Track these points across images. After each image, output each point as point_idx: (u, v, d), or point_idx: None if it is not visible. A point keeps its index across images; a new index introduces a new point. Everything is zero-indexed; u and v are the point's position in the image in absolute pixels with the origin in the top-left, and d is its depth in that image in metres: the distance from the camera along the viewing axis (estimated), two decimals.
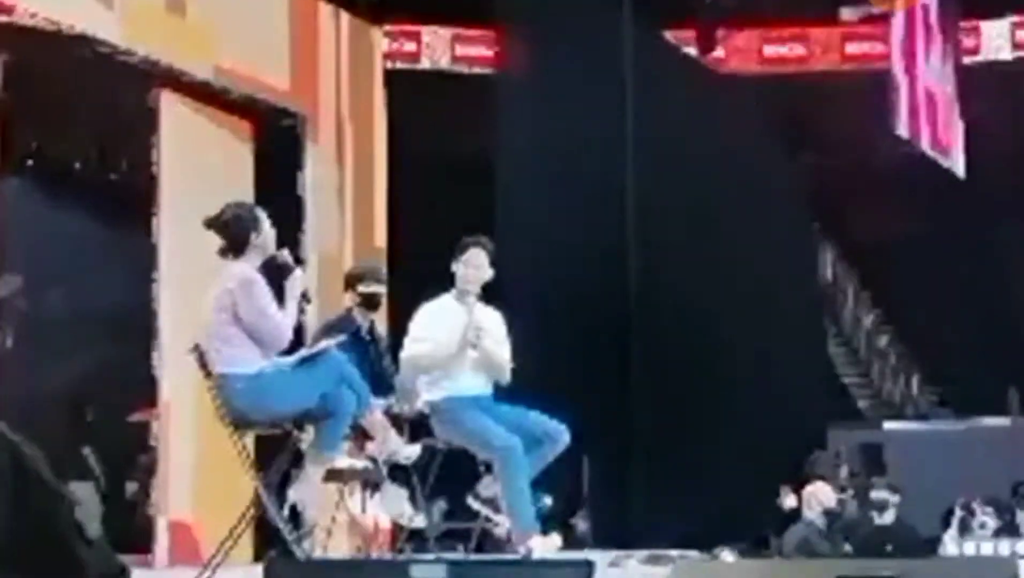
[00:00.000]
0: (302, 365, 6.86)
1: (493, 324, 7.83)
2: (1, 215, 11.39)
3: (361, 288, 8.66)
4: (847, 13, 19.87)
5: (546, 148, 13.90)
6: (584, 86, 14.37)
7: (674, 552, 9.18)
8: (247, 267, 6.81)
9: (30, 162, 12.34)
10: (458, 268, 7.77)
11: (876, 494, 11.59)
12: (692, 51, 19.14)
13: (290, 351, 6.97)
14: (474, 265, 7.75)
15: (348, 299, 8.79)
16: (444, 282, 7.90)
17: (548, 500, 9.92)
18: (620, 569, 8.16)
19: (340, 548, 9.58)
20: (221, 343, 6.74)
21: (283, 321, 6.76)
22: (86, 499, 12.66)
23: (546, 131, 13.90)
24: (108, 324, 12.19)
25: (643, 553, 9.18)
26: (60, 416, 12.31)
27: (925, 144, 18.53)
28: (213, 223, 6.91)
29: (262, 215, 6.95)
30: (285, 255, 7.03)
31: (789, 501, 13.70)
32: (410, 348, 7.71)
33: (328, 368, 6.85)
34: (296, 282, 6.92)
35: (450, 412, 7.70)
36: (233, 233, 6.85)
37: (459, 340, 7.65)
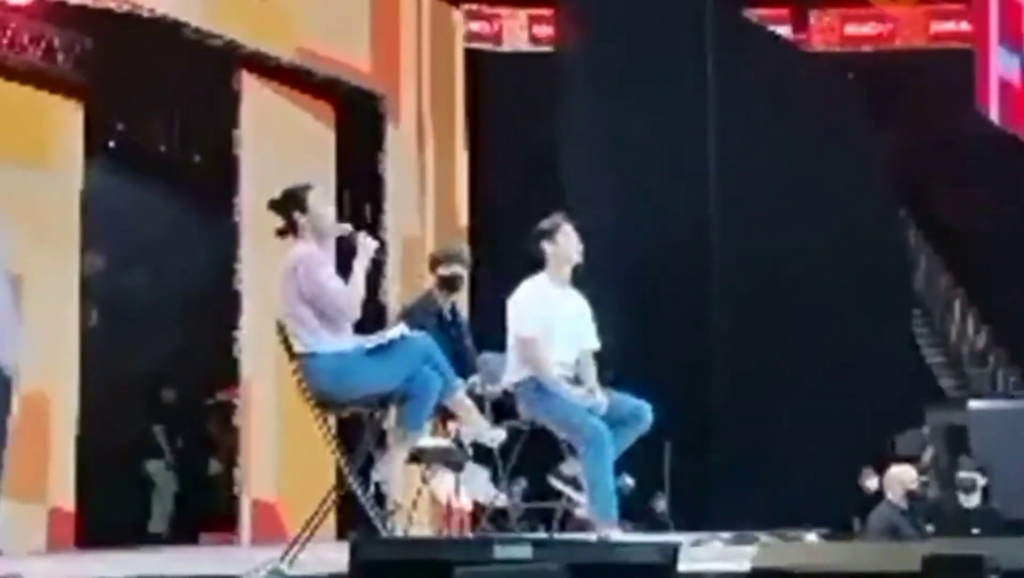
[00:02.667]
0: (388, 346, 6.87)
1: (585, 308, 7.83)
2: (85, 197, 11.50)
3: (441, 270, 8.64)
4: None
5: (624, 130, 13.85)
6: (665, 66, 14.31)
7: (756, 534, 9.13)
8: (301, 245, 6.84)
9: (113, 144, 12.42)
10: (557, 244, 7.71)
11: (962, 475, 11.47)
12: (775, 29, 19.01)
13: (372, 330, 6.98)
14: (575, 237, 7.73)
15: (430, 280, 8.79)
16: (526, 262, 7.87)
17: (630, 481, 9.90)
18: (703, 549, 8.12)
19: (423, 528, 9.61)
20: (296, 325, 6.77)
21: (344, 291, 6.75)
22: (158, 477, 12.81)
23: (623, 113, 13.85)
24: (191, 305, 12.29)
25: (725, 534, 9.14)
26: (143, 395, 12.41)
27: (1010, 124, 18.34)
28: (270, 204, 6.96)
29: (310, 194, 6.93)
30: (346, 227, 7.03)
31: (871, 483, 13.61)
32: (523, 329, 7.63)
33: (413, 349, 6.86)
34: (363, 251, 6.92)
35: (536, 392, 7.68)
36: (283, 214, 6.90)
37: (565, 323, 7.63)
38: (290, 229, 6.87)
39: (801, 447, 13.94)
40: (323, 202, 6.99)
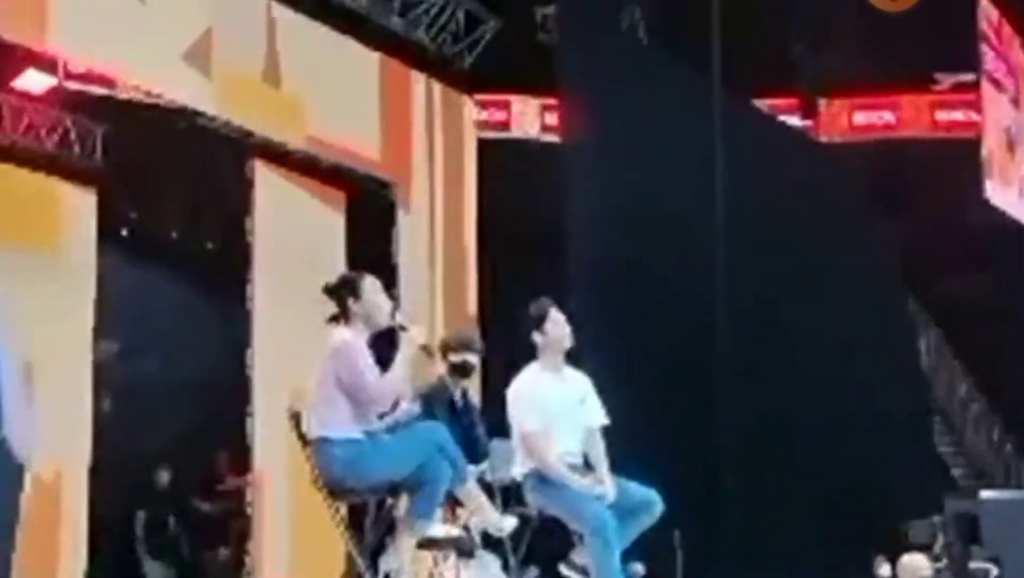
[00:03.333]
0: (400, 434, 6.90)
1: (586, 387, 7.83)
2: (99, 283, 11.57)
3: (452, 357, 8.66)
4: (943, 78, 19.78)
5: (631, 217, 13.88)
6: (672, 154, 14.37)
7: None
8: (347, 332, 6.89)
9: (126, 231, 12.52)
10: (546, 333, 7.71)
11: (975, 566, 11.43)
12: (783, 118, 19.11)
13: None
14: (562, 323, 7.73)
15: (441, 367, 8.81)
16: (534, 349, 7.88)
17: (641, 569, 9.86)
18: None
19: None
20: (323, 407, 6.81)
21: (380, 383, 6.80)
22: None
23: (630, 200, 13.87)
24: (203, 391, 12.33)
25: None
26: (153, 480, 12.41)
27: (1016, 212, 18.41)
28: (325, 289, 7.02)
29: (367, 284, 7.00)
30: (398, 318, 7.09)
31: (884, 571, 13.54)
32: (523, 425, 7.63)
33: (425, 437, 6.90)
34: (406, 341, 6.98)
35: (543, 482, 7.67)
36: (336, 300, 6.96)
37: (564, 410, 7.63)
38: (342, 316, 6.93)
39: (813, 534, 13.88)
40: (375, 291, 7.04)
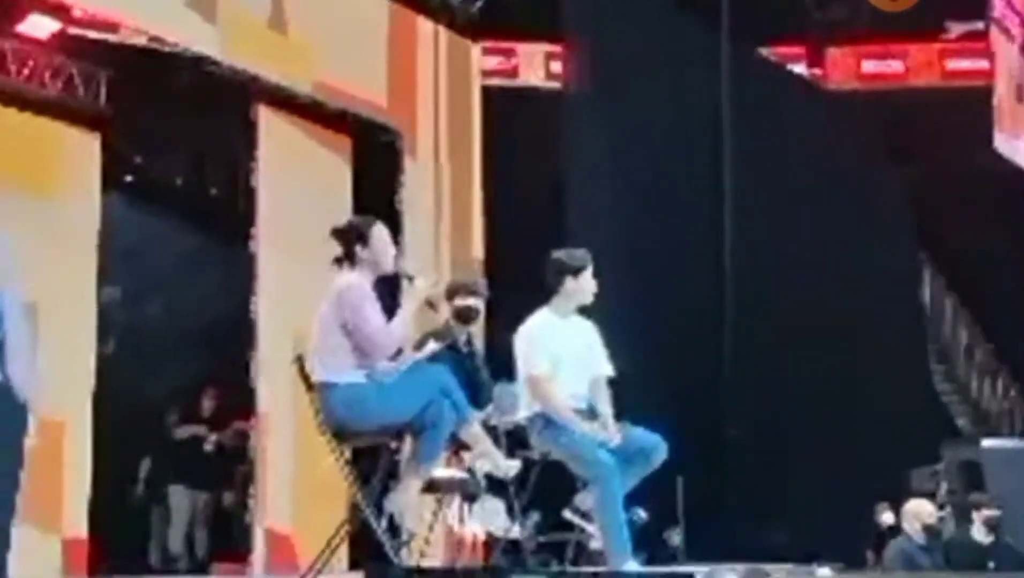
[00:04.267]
0: (403, 377, 6.91)
1: (594, 335, 7.84)
2: (102, 228, 11.57)
3: (456, 301, 8.65)
4: (953, 26, 19.70)
5: (637, 166, 13.86)
6: (679, 103, 14.34)
7: (770, 566, 9.11)
8: (353, 277, 6.89)
9: (130, 176, 12.50)
10: (579, 283, 7.72)
11: (985, 513, 11.46)
12: (792, 67, 19.04)
13: (392, 358, 7.02)
14: (592, 281, 7.75)
15: (445, 311, 8.81)
16: (540, 295, 7.89)
17: (643, 514, 9.89)
18: None
19: (436, 559, 9.61)
20: (326, 352, 6.82)
21: (386, 329, 6.81)
22: (176, 504, 12.80)
23: (636, 150, 13.85)
24: (207, 335, 12.34)
25: (740, 566, 9.12)
26: (158, 424, 12.43)
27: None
28: (332, 232, 7.01)
29: (376, 230, 7.00)
30: (403, 267, 7.10)
31: (886, 517, 13.57)
32: (530, 368, 7.65)
33: (429, 380, 6.90)
34: (414, 292, 6.99)
35: (548, 426, 7.69)
36: (343, 243, 6.95)
37: (572, 356, 7.65)
38: (347, 259, 6.93)
39: (815, 482, 13.93)
40: (384, 239, 7.03)
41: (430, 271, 12.87)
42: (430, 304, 7.16)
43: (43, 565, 10.61)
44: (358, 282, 6.88)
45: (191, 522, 12.74)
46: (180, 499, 12.74)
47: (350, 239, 6.96)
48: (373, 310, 6.83)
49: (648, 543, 9.64)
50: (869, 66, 20.74)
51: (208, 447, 12.61)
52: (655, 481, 7.89)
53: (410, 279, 7.07)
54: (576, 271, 7.73)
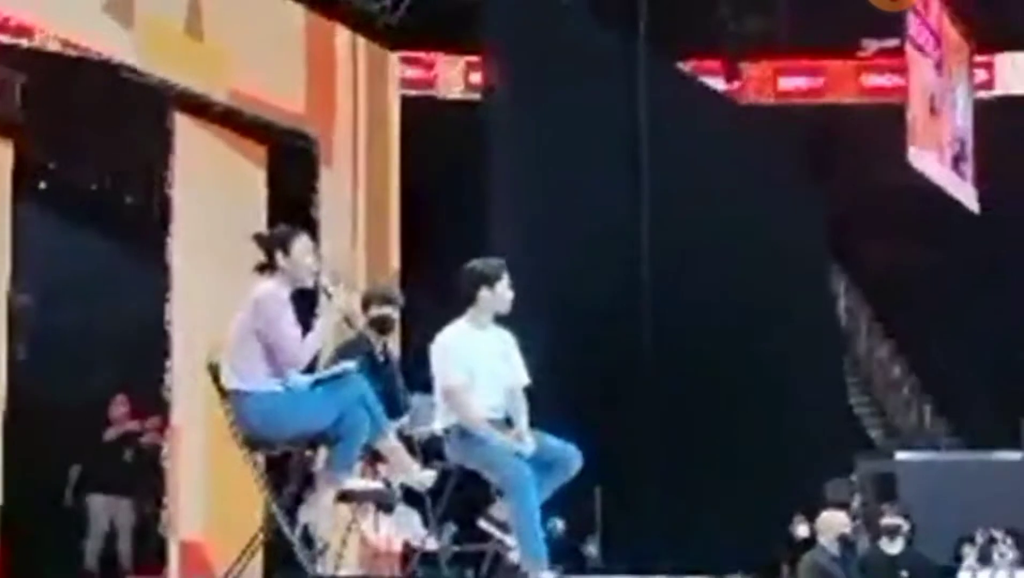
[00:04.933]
0: (318, 385, 6.87)
1: (510, 345, 7.83)
2: (15, 234, 11.43)
3: (372, 310, 8.61)
4: (868, 44, 19.91)
5: (553, 177, 13.88)
6: (596, 115, 14.38)
7: None
8: (271, 285, 6.85)
9: (44, 183, 12.35)
10: (496, 293, 7.70)
11: (887, 520, 11.55)
12: (709, 81, 19.15)
13: (306, 371, 6.99)
14: (509, 288, 7.74)
15: (361, 321, 8.77)
16: (458, 306, 7.87)
17: (560, 524, 9.90)
18: None
19: (351, 570, 9.56)
20: (240, 360, 6.77)
21: (298, 340, 6.77)
22: (94, 514, 12.64)
23: (553, 160, 13.88)
24: (121, 343, 12.20)
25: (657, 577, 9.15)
26: (69, 432, 12.27)
27: (938, 176, 18.57)
28: (255, 237, 6.98)
29: (299, 241, 6.96)
30: (324, 280, 7.06)
31: (801, 530, 13.67)
32: (445, 379, 7.62)
33: (344, 390, 6.87)
34: (331, 308, 6.97)
35: (463, 437, 7.67)
36: (264, 250, 6.91)
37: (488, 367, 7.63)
38: (266, 266, 6.89)
39: (732, 493, 14.00)
40: (306, 252, 6.99)
41: (348, 286, 12.82)
42: (347, 320, 7.14)
43: None
44: (275, 291, 6.84)
45: (111, 532, 12.57)
46: (99, 508, 12.57)
47: (272, 246, 6.93)
48: (288, 322, 6.80)
49: (565, 554, 9.64)
50: (786, 82, 20.92)
51: (127, 455, 12.47)
52: (572, 491, 7.89)
53: (328, 294, 7.04)
54: (491, 281, 7.71)
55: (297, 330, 6.81)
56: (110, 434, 12.45)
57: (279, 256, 6.90)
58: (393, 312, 8.67)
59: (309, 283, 7.01)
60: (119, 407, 12.51)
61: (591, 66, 14.49)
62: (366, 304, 8.67)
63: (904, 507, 11.98)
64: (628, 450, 13.19)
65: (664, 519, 13.47)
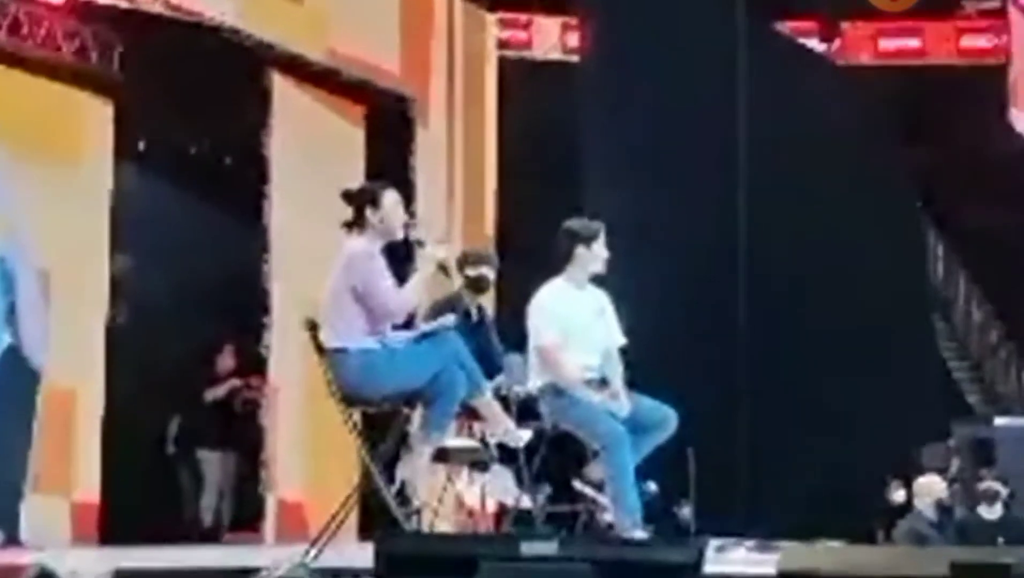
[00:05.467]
0: (416, 344, 6.90)
1: (606, 305, 7.85)
2: (115, 195, 11.57)
3: (468, 270, 8.63)
4: (968, 3, 19.65)
5: (650, 140, 13.81)
6: (694, 76, 14.28)
7: (780, 542, 9.11)
8: (363, 241, 6.88)
9: (142, 144, 12.46)
10: (593, 252, 7.74)
11: (985, 486, 11.47)
12: (807, 42, 18.98)
13: (403, 326, 7.02)
14: (604, 250, 7.77)
15: (457, 281, 8.79)
16: (552, 267, 7.89)
17: (653, 487, 9.89)
18: (727, 554, 8.12)
19: (446, 528, 9.62)
20: (335, 317, 6.81)
21: (393, 293, 6.80)
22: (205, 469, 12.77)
23: (650, 123, 13.80)
24: (219, 304, 12.31)
25: (750, 541, 9.13)
26: (169, 392, 12.40)
27: None
28: (343, 194, 7.01)
29: (388, 195, 6.98)
30: (416, 234, 7.08)
31: (898, 495, 13.58)
32: (541, 338, 7.66)
33: (441, 348, 6.89)
34: (426, 258, 6.98)
35: (558, 396, 7.69)
36: (354, 206, 6.94)
37: (583, 326, 7.65)
38: (357, 223, 6.91)
39: (827, 458, 13.91)
40: (396, 204, 7.01)
41: (442, 237, 12.88)
42: (443, 269, 7.14)
43: (53, 529, 10.64)
44: (367, 247, 6.86)
45: (220, 488, 12.68)
46: (208, 464, 12.67)
47: (362, 202, 6.95)
48: (382, 276, 6.82)
49: (658, 517, 9.64)
50: (885, 43, 20.68)
51: (230, 412, 12.54)
52: (666, 454, 7.89)
53: (421, 244, 7.05)
54: (588, 240, 7.75)
55: (391, 282, 6.83)
56: (219, 391, 12.53)
57: (368, 211, 6.91)
58: (489, 272, 8.69)
59: (400, 236, 7.02)
60: (227, 359, 12.59)
61: (687, 26, 14.39)
62: (462, 264, 8.69)
63: (1002, 472, 11.89)
64: (722, 413, 13.13)
65: (758, 483, 13.40)
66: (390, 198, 6.98)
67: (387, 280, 6.80)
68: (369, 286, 6.75)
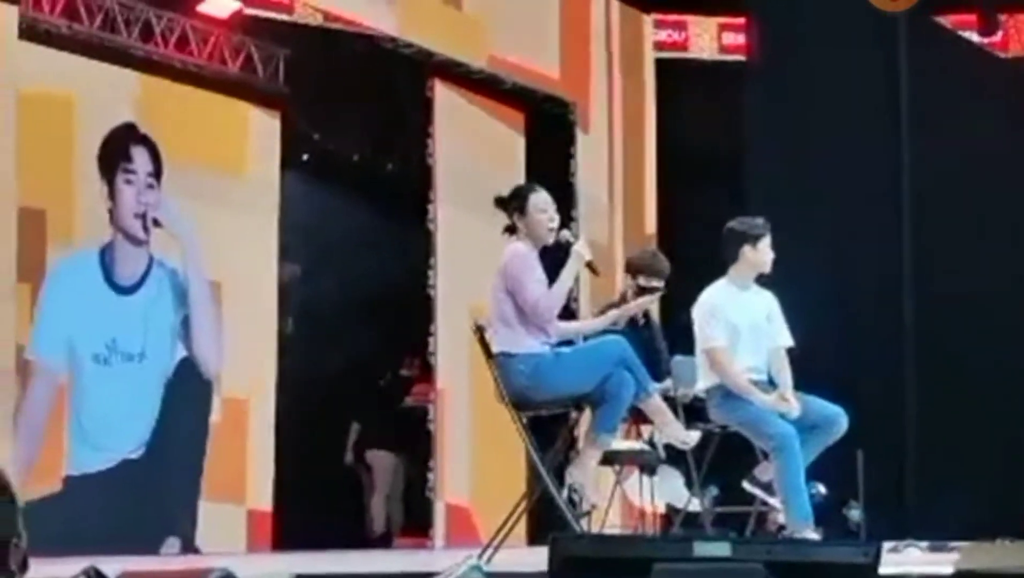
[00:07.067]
0: (583, 348, 6.94)
1: (773, 306, 7.81)
2: (282, 205, 11.74)
3: (642, 280, 8.67)
4: None
5: (813, 139, 13.70)
6: (856, 74, 14.14)
7: (954, 543, 8.99)
8: (520, 245, 6.96)
9: (308, 154, 12.65)
10: (757, 251, 7.72)
11: None
12: (970, 35, 18.68)
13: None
14: (771, 250, 7.74)
15: (627, 285, 8.82)
16: (713, 269, 7.87)
17: (823, 489, 9.81)
18: (901, 555, 8.03)
19: (615, 531, 9.63)
20: (500, 323, 6.88)
21: (542, 294, 6.83)
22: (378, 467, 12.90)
23: (813, 122, 13.69)
24: (386, 311, 12.44)
25: (923, 543, 9.02)
26: (339, 400, 12.56)
27: None
28: (495, 201, 7.08)
29: (532, 199, 7.04)
30: (565, 233, 7.12)
31: None
32: (708, 340, 7.66)
33: (608, 351, 6.91)
34: (574, 257, 7.01)
35: (726, 398, 7.67)
36: (506, 212, 7.01)
37: (750, 327, 7.63)
38: (509, 227, 7.01)
39: (998, 457, 13.68)
40: (542, 206, 7.05)
41: (593, 238, 12.90)
42: (591, 267, 7.16)
43: (228, 538, 10.82)
44: (522, 251, 6.93)
45: (389, 491, 12.80)
46: (381, 463, 12.81)
47: (509, 208, 7.03)
48: (532, 278, 6.86)
49: (828, 519, 9.57)
50: None
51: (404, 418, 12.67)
52: (835, 456, 7.83)
53: (569, 243, 7.08)
54: (754, 240, 7.73)
55: (542, 286, 6.87)
56: (408, 401, 12.70)
57: (516, 217, 6.99)
58: (660, 285, 8.68)
59: (550, 239, 7.06)
60: (412, 366, 12.73)
61: (847, 24, 14.25)
62: (636, 271, 8.72)
63: None
64: (891, 414, 12.99)
65: (927, 483, 13.23)
66: (535, 201, 7.04)
67: (535, 284, 6.84)
68: (516, 284, 6.81)
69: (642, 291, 8.55)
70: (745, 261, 7.73)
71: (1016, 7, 19.85)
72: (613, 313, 7.60)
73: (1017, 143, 15.64)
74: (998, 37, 19.66)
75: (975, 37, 19.03)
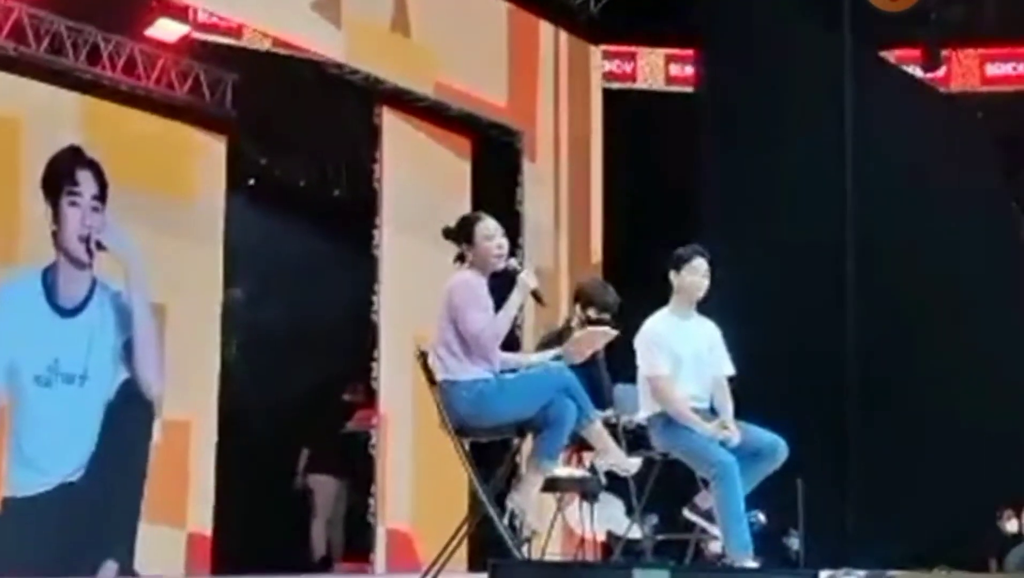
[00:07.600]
0: (526, 374, 6.95)
1: (715, 335, 7.85)
2: (227, 230, 11.73)
3: (591, 313, 8.67)
4: None
5: (761, 169, 13.80)
6: (803, 106, 14.26)
7: (891, 572, 9.06)
8: (467, 274, 6.95)
9: (254, 178, 12.65)
10: (682, 277, 7.75)
11: None
12: (913, 71, 18.85)
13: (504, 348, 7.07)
14: (700, 274, 7.76)
15: (573, 314, 8.84)
16: (657, 297, 7.91)
17: (762, 517, 9.85)
18: None
19: (556, 557, 9.64)
20: (444, 350, 6.88)
21: (486, 324, 6.83)
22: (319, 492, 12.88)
23: (761, 153, 13.80)
24: (329, 336, 12.45)
25: (860, 572, 9.08)
26: (280, 424, 12.55)
27: None
28: (443, 232, 7.10)
29: (479, 227, 7.04)
30: (512, 262, 7.13)
31: (1010, 525, 13.42)
32: (651, 369, 7.69)
33: (551, 378, 6.92)
34: (519, 286, 7.02)
35: (668, 425, 7.70)
36: (454, 242, 7.03)
37: (692, 356, 7.67)
38: (458, 257, 7.03)
39: (937, 487, 13.78)
40: (489, 233, 7.06)
41: (542, 268, 12.94)
42: (536, 296, 7.17)
43: (168, 562, 10.79)
44: (468, 280, 6.93)
45: (329, 516, 12.80)
46: (322, 488, 12.80)
47: (456, 238, 7.05)
48: (477, 307, 6.85)
49: (767, 548, 9.60)
50: (993, 69, 20.45)
51: (345, 444, 12.67)
52: (774, 484, 7.87)
53: (516, 273, 7.10)
54: (676, 266, 7.75)
55: (486, 316, 6.86)
56: (349, 426, 12.71)
57: (464, 246, 7.01)
58: (608, 319, 8.69)
59: (499, 266, 7.07)
60: (356, 391, 12.74)
61: (794, 55, 14.38)
62: (588, 304, 8.72)
63: None
64: (831, 443, 13.08)
65: (867, 512, 13.33)
66: (481, 230, 7.04)
67: (480, 314, 6.83)
68: (459, 313, 6.82)
69: (590, 322, 8.56)
70: (680, 288, 7.76)
71: (959, 43, 20.07)
72: (567, 350, 7.53)
73: (956, 173, 15.80)
74: (941, 72, 19.88)
75: (919, 72, 19.25)
